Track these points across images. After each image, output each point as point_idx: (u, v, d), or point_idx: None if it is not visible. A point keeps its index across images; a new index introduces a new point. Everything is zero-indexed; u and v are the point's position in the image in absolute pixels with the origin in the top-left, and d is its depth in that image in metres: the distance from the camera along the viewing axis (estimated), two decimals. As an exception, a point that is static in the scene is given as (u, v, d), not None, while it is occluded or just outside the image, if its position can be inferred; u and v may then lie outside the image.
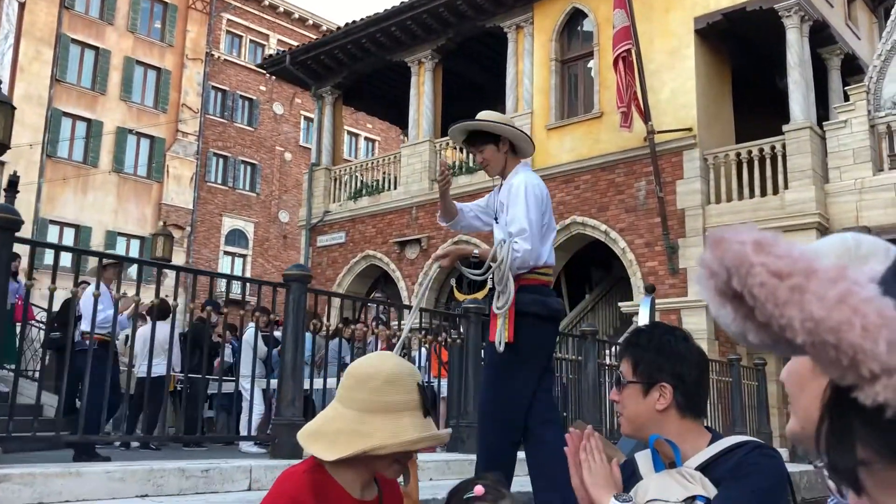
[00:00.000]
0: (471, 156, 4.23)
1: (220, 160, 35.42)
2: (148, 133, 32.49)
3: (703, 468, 1.87)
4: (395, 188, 18.21)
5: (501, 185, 3.87)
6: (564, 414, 9.21)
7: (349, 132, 38.98)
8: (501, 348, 3.59)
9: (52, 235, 28.26)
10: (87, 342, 6.00)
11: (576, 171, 15.40)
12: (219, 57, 35.66)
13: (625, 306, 14.74)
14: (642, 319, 10.91)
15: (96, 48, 31.32)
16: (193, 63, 34.57)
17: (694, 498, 1.79)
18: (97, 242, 29.35)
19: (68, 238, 29.03)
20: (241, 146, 36.04)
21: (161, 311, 7.01)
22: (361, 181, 19.25)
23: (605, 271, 17.43)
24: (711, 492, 1.80)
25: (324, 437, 1.77)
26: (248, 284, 6.93)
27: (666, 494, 1.81)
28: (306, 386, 7.53)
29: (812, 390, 0.95)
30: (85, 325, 6.49)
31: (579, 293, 17.69)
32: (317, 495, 1.76)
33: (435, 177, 3.66)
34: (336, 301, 13.87)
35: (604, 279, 17.67)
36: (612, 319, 16.96)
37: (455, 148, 16.62)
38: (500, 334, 3.59)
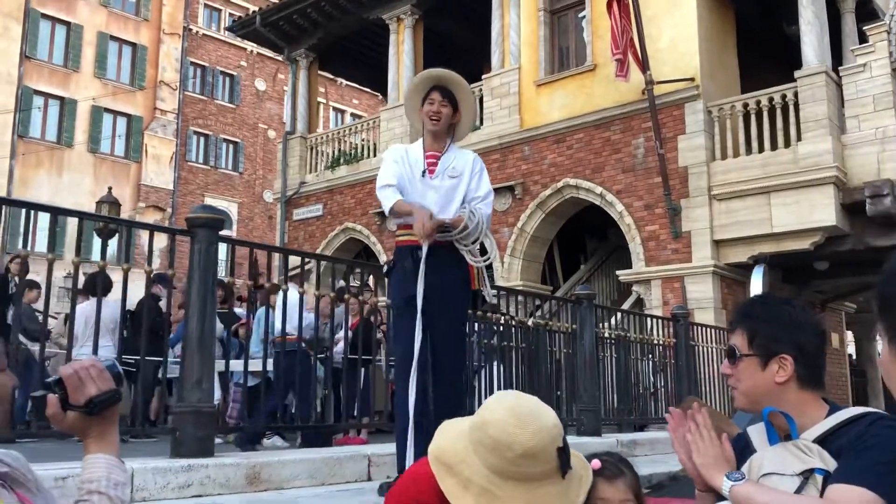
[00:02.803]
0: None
1: (201, 139, 34.31)
2: (124, 111, 31.37)
3: (821, 441, 1.79)
4: (375, 155, 16.96)
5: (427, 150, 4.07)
6: (559, 393, 8.08)
7: (335, 108, 37.73)
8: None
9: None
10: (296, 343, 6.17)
11: (568, 129, 14.16)
12: (197, 31, 34.45)
13: (624, 275, 13.55)
14: (755, 289, 10.58)
15: (68, 23, 30.19)
16: (170, 38, 33.39)
17: (812, 471, 1.73)
18: (74, 225, 28.15)
19: (43, 221, 27.75)
20: (222, 124, 34.90)
21: (105, 286, 5.97)
22: (339, 149, 17.99)
23: (601, 239, 16.22)
24: (831, 464, 1.72)
25: (456, 477, 1.72)
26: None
27: (783, 467, 1.76)
28: (261, 367, 6.57)
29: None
30: (289, 328, 5.78)
31: (573, 263, 16.46)
32: (443, 501, 1.72)
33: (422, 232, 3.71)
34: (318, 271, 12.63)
35: (599, 248, 16.46)
36: (609, 291, 15.78)
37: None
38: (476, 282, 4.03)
